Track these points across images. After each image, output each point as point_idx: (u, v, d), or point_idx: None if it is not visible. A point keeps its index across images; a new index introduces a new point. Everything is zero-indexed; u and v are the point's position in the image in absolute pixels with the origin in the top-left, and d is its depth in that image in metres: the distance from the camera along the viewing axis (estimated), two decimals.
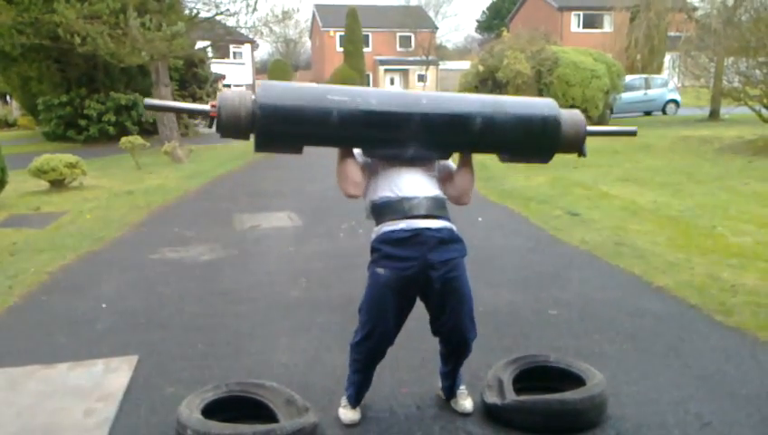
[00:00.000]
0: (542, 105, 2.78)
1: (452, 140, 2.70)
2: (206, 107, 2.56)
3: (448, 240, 2.64)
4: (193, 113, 3.04)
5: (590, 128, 2.90)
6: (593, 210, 7.61)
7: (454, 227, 2.69)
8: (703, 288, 4.67)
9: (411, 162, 2.71)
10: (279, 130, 2.53)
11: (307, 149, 2.64)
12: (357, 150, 2.76)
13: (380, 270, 2.63)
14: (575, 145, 2.82)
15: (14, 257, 6.02)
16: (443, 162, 2.86)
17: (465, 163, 2.80)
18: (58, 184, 9.97)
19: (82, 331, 4.12)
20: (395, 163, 2.71)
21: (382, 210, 2.66)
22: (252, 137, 2.59)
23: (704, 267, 5.17)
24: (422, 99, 2.68)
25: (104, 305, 4.60)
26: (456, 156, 2.87)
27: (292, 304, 4.56)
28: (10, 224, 7.61)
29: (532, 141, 2.74)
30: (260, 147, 2.60)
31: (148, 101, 2.75)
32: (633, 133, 3.21)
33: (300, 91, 2.62)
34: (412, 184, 2.66)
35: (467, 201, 2.83)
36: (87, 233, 7.00)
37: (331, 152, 2.75)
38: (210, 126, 2.56)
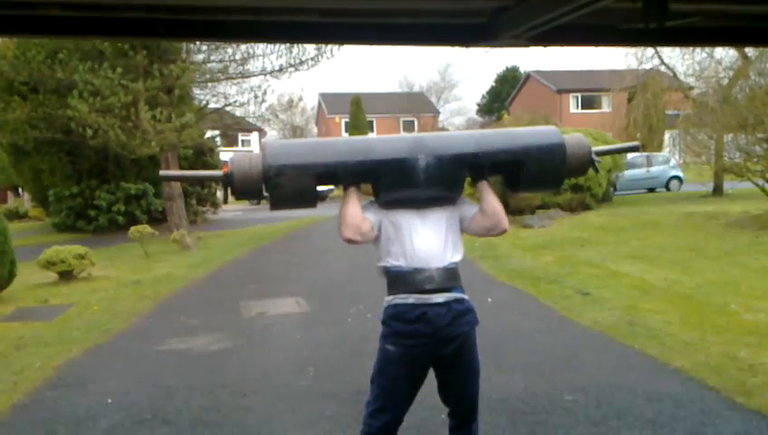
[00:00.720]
0: (546, 133, 2.83)
1: (461, 175, 2.71)
2: (219, 173, 2.64)
3: (459, 314, 2.62)
4: (206, 180, 3.11)
5: (596, 148, 2.95)
6: (603, 289, 7.54)
7: (465, 297, 2.67)
8: (720, 369, 4.55)
9: (425, 208, 2.68)
10: (291, 187, 2.57)
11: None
12: (369, 202, 2.75)
13: (390, 347, 2.63)
14: (583, 168, 2.86)
15: (20, 352, 5.96)
16: (463, 205, 2.79)
17: (485, 189, 2.75)
18: (66, 275, 9.99)
19: (87, 429, 4.02)
20: (408, 212, 2.67)
21: (394, 280, 2.65)
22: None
23: (720, 347, 5.07)
24: (427, 139, 2.73)
25: (109, 401, 4.50)
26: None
27: (300, 396, 4.46)
28: (18, 317, 7.58)
29: (541, 169, 2.75)
30: (275, 205, 2.64)
31: (164, 172, 2.84)
32: (636, 149, 3.40)
33: (307, 147, 2.69)
34: (425, 248, 2.62)
35: (505, 225, 2.71)
36: (94, 325, 6.95)
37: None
38: (225, 194, 2.63)
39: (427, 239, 2.65)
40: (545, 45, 2.73)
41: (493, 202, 2.70)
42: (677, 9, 2.46)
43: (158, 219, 17.51)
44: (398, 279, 2.63)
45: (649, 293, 7.24)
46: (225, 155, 29.54)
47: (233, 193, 2.61)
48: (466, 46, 3.11)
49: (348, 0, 2.70)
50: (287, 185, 2.56)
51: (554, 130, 2.84)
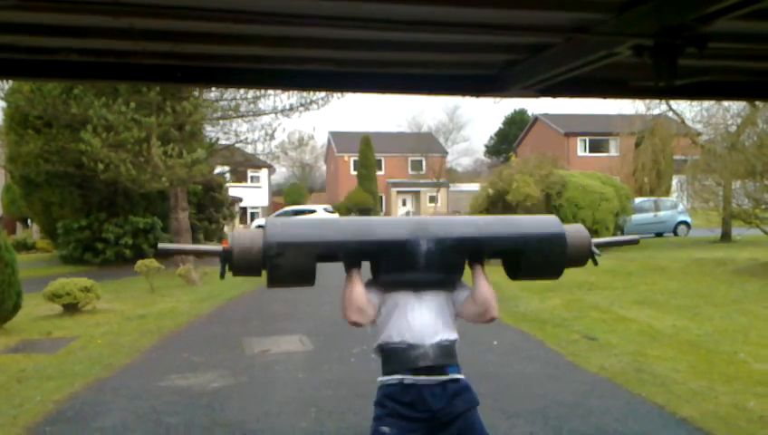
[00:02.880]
0: (547, 222, 2.82)
1: (461, 260, 2.68)
2: (219, 248, 2.57)
3: (455, 393, 2.54)
4: (206, 255, 3.00)
5: (595, 240, 2.94)
6: (610, 334, 7.46)
7: (461, 376, 2.60)
8: (729, 419, 4.48)
9: (423, 290, 2.64)
10: (290, 265, 2.52)
11: (318, 273, 2.64)
12: (368, 281, 2.72)
13: (385, 429, 2.51)
14: (582, 259, 2.85)
15: (22, 385, 5.93)
16: (459, 288, 2.74)
17: (478, 276, 2.68)
18: (71, 308, 9.98)
19: None
20: (406, 293, 2.63)
21: (389, 357, 2.60)
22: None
23: (728, 396, 4.99)
24: (429, 224, 2.70)
25: None
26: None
27: None
28: (21, 349, 7.56)
29: (541, 258, 2.74)
30: (272, 283, 2.58)
31: (162, 245, 2.80)
32: (635, 242, 3.36)
33: (308, 226, 2.66)
34: (420, 324, 2.57)
35: (495, 314, 2.64)
36: (96, 359, 6.92)
37: (343, 277, 2.74)
38: (222, 269, 2.56)
39: (422, 315, 2.60)
40: (555, 97, 2.77)
41: (484, 289, 2.63)
42: (688, 65, 2.49)
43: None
44: (393, 356, 2.58)
45: (657, 339, 7.17)
46: (235, 191, 29.69)
47: (231, 269, 2.54)
48: (477, 96, 3.16)
49: (362, 51, 2.75)
50: (286, 263, 2.51)
51: (554, 219, 2.83)
